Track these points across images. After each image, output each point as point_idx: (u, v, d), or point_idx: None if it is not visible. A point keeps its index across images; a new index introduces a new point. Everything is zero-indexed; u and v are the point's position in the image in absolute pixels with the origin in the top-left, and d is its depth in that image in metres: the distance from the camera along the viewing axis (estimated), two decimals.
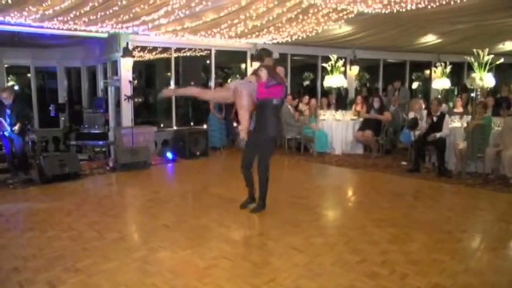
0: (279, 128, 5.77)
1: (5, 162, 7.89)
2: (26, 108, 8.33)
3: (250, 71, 12.65)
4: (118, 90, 10.78)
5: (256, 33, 10.48)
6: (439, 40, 12.88)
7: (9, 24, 8.09)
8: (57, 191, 7.16)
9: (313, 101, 10.91)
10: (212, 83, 12.29)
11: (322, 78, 13.52)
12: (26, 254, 4.39)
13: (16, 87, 14.58)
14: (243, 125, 5.60)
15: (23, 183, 7.63)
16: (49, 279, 3.81)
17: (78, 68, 13.01)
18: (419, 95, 16.87)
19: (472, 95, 12.17)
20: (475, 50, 10.14)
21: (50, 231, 5.12)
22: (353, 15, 9.03)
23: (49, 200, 6.58)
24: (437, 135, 8.16)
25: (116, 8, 7.45)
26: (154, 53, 11.81)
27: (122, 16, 8.00)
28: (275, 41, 11.65)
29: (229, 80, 15.61)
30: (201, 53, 12.02)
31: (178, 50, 11.60)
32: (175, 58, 11.54)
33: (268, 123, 5.50)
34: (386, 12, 8.45)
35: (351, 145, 10.80)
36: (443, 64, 13.64)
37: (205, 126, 11.39)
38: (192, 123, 11.12)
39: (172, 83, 11.63)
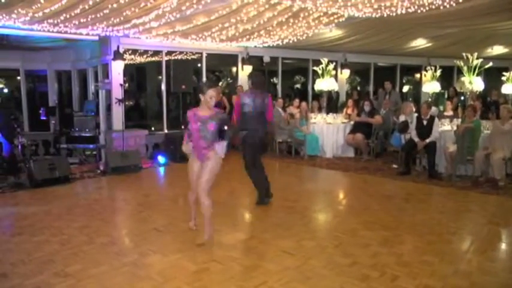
0: None
1: None
2: (13, 110, 8.26)
3: (241, 74, 12.70)
4: (109, 93, 10.73)
5: (247, 36, 10.48)
6: (429, 44, 12.98)
7: None
8: (47, 195, 7.10)
9: (303, 104, 10.92)
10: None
11: (313, 82, 13.57)
12: (15, 259, 4.34)
13: (5, 91, 14.48)
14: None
15: (12, 187, 7.55)
16: (38, 284, 3.78)
17: (69, 71, 12.92)
18: (410, 99, 16.99)
19: (462, 98, 12.28)
20: (464, 54, 10.24)
21: (39, 235, 5.08)
22: (344, 19, 9.08)
23: (39, 204, 6.51)
24: (427, 140, 8.21)
25: (106, 11, 7.42)
26: (145, 56, 11.76)
27: (112, 19, 7.98)
28: (266, 45, 11.67)
29: (220, 83, 15.61)
30: (192, 57, 12.01)
31: (169, 53, 11.58)
32: (166, 61, 11.51)
33: None
34: (377, 16, 8.50)
35: (342, 148, 10.83)
36: (433, 68, 13.75)
37: None
38: (183, 127, 11.07)
39: (163, 86, 11.60)
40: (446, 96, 14.01)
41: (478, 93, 11.32)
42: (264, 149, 6.53)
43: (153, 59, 11.73)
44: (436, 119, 8.56)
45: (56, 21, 7.87)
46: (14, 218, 5.95)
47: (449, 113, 10.69)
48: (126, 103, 11.54)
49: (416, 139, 8.37)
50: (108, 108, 11.08)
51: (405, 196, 7.10)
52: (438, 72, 13.58)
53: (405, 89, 18.55)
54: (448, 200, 6.90)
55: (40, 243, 4.82)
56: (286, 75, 15.84)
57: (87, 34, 9.30)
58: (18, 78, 13.00)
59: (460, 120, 8.88)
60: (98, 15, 7.66)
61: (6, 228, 5.56)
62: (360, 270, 4.04)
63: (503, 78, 13.29)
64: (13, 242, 4.89)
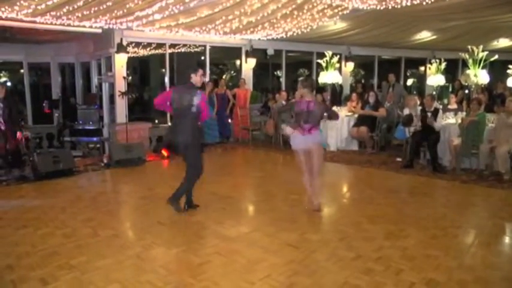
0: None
1: None
2: (18, 103, 8.29)
3: (244, 67, 12.65)
4: (112, 86, 10.72)
5: (251, 29, 10.44)
6: (434, 37, 12.89)
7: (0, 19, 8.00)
8: (51, 188, 7.11)
9: None
10: (207, 79, 12.24)
11: (317, 75, 13.52)
12: (19, 252, 4.36)
13: (9, 84, 14.48)
14: None
15: (16, 180, 7.56)
16: (42, 276, 3.79)
17: (72, 64, 12.93)
18: (414, 92, 16.91)
19: (466, 91, 12.21)
20: (469, 47, 10.16)
21: (43, 228, 5.09)
22: (348, 12, 9.02)
23: (43, 197, 6.54)
24: (435, 123, 8.17)
25: (109, 3, 7.39)
26: (148, 49, 11.74)
27: (115, 11, 7.95)
28: (270, 37, 11.62)
29: (224, 76, 15.56)
30: (196, 49, 11.97)
31: (172, 46, 11.54)
32: (170, 54, 11.49)
33: None
34: (381, 8, 8.44)
35: (346, 141, 10.79)
36: (438, 61, 13.66)
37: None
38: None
39: (166, 79, 11.58)
40: (450, 89, 13.93)
41: (483, 86, 11.24)
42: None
43: (157, 51, 11.71)
44: (440, 111, 8.51)
45: (58, 14, 7.84)
46: (19, 210, 5.96)
47: (454, 106, 10.63)
48: (130, 96, 11.53)
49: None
50: (112, 101, 11.08)
51: (409, 190, 7.09)
52: (443, 65, 13.49)
53: (409, 82, 18.46)
54: (453, 193, 6.88)
55: (44, 235, 4.83)
56: (290, 68, 15.78)
57: (90, 27, 9.27)
58: (22, 71, 13.01)
59: (464, 113, 8.82)
60: (101, 8, 7.63)
61: (11, 221, 5.56)
62: (364, 263, 4.03)
63: (509, 71, 13.19)
64: (18, 235, 4.91)
